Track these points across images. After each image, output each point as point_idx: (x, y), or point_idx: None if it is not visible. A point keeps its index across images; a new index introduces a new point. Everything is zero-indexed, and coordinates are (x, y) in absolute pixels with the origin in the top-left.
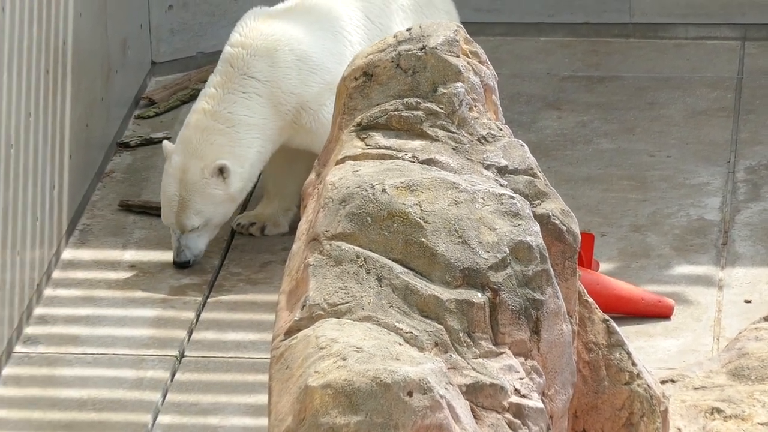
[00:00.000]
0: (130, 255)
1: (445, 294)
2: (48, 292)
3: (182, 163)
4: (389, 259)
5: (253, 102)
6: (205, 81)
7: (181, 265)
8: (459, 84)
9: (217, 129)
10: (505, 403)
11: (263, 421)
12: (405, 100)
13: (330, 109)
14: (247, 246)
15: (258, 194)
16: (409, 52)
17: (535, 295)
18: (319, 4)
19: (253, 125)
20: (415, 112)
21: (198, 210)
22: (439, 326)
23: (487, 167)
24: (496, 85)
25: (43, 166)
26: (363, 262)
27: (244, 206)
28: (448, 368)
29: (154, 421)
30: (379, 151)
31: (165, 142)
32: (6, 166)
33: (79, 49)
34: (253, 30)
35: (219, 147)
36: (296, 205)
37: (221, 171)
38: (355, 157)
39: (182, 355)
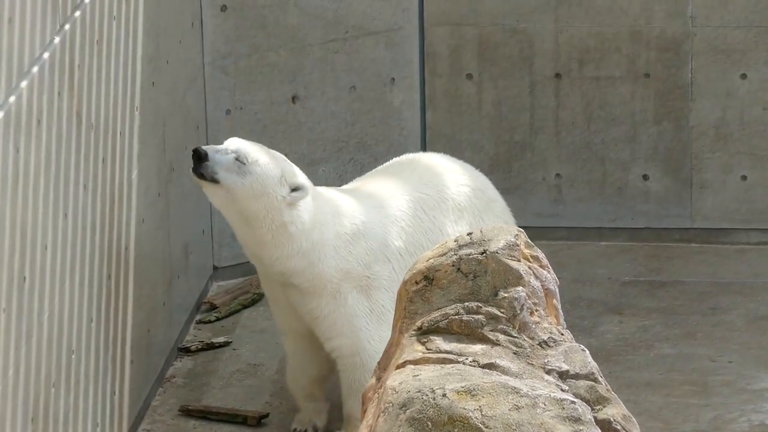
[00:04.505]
0: None
1: None
2: None
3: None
4: None
5: (295, 237)
6: None
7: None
8: (520, 288)
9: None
10: None
11: None
12: (466, 304)
13: (344, 301)
14: None
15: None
16: (470, 256)
17: None
18: (380, 191)
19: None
20: (476, 317)
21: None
22: None
23: (549, 372)
24: (557, 290)
25: (104, 371)
26: None
27: None
28: None
29: None
30: (439, 355)
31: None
32: (67, 372)
33: (141, 254)
34: (315, 197)
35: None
36: (324, 399)
37: (298, 188)
38: (415, 362)
39: None
